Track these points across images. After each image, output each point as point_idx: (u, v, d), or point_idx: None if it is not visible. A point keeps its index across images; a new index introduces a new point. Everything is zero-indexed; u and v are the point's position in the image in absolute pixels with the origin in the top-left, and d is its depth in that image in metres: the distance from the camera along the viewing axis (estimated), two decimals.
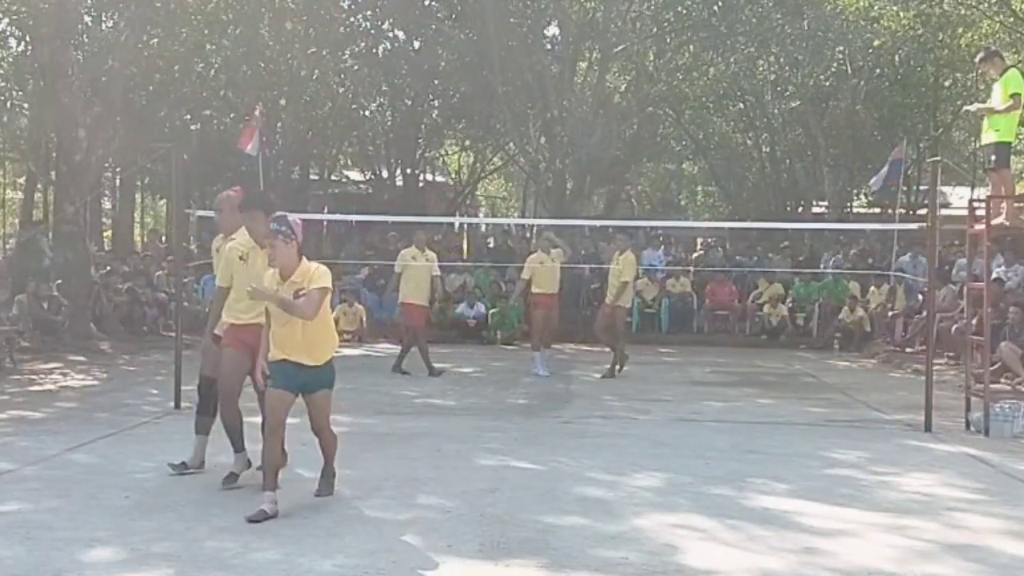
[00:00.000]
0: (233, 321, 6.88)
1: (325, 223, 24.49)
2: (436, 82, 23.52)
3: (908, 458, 8.43)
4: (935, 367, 10.69)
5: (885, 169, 19.45)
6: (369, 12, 22.65)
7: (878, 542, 5.89)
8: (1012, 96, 9.75)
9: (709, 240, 26.48)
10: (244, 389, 7.00)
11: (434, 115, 26.52)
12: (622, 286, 13.57)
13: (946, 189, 25.49)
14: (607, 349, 14.21)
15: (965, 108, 13.91)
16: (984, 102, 10.90)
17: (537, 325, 14.20)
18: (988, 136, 10.23)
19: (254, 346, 6.62)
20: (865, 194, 27.37)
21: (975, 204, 10.61)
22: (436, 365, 13.53)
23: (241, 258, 6.88)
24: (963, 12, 22.09)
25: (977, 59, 10.85)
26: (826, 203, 25.58)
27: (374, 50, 23.27)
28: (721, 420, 10.31)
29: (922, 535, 6.05)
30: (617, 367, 13.70)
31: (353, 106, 25.34)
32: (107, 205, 30.51)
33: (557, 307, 14.28)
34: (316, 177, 28.03)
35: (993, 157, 10.26)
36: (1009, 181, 10.50)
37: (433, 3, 22.66)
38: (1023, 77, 9.91)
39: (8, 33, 19.38)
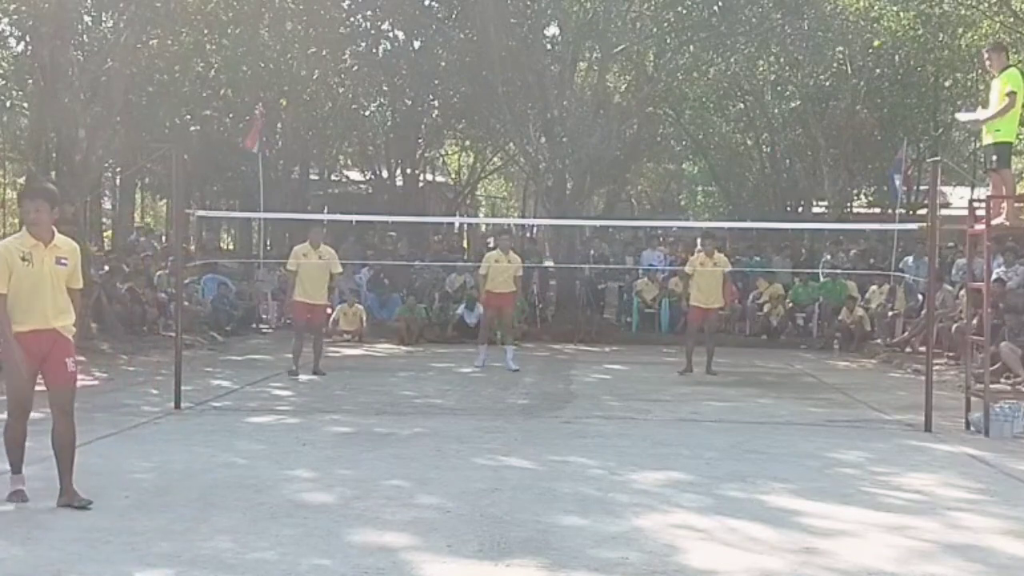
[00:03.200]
0: (20, 329, 6.30)
1: (325, 223, 24.47)
2: (436, 82, 23.46)
3: (908, 458, 8.43)
4: (935, 367, 10.69)
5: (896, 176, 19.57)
6: (369, 12, 22.60)
7: (878, 542, 5.89)
8: (1008, 95, 9.76)
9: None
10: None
11: (434, 115, 26.47)
12: (720, 286, 14.04)
13: (946, 189, 25.49)
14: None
15: (956, 115, 13.91)
16: (984, 103, 10.91)
17: (486, 321, 14.84)
18: (989, 137, 10.25)
19: (38, 355, 6.43)
20: (865, 194, 27.40)
21: (975, 204, 10.63)
22: (295, 368, 13.07)
23: (24, 259, 6.20)
24: (963, 12, 22.07)
25: (986, 49, 10.87)
26: (826, 203, 25.58)
27: (374, 50, 23.24)
28: (721, 420, 10.31)
29: (922, 535, 6.06)
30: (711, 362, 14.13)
31: (353, 106, 25.30)
32: (107, 205, 30.52)
33: (511, 306, 14.77)
34: (316, 177, 28.03)
35: (994, 157, 10.28)
36: (1010, 181, 10.51)
37: (433, 3, 22.61)
38: (1022, 77, 9.92)
39: (8, 33, 19.36)
